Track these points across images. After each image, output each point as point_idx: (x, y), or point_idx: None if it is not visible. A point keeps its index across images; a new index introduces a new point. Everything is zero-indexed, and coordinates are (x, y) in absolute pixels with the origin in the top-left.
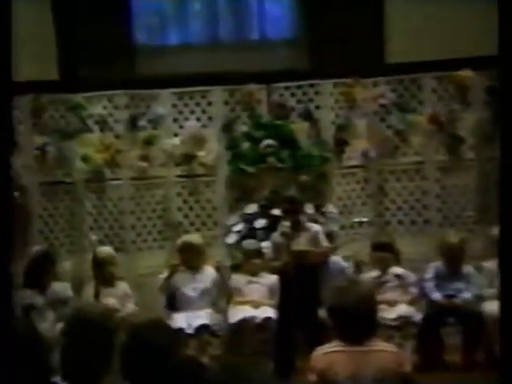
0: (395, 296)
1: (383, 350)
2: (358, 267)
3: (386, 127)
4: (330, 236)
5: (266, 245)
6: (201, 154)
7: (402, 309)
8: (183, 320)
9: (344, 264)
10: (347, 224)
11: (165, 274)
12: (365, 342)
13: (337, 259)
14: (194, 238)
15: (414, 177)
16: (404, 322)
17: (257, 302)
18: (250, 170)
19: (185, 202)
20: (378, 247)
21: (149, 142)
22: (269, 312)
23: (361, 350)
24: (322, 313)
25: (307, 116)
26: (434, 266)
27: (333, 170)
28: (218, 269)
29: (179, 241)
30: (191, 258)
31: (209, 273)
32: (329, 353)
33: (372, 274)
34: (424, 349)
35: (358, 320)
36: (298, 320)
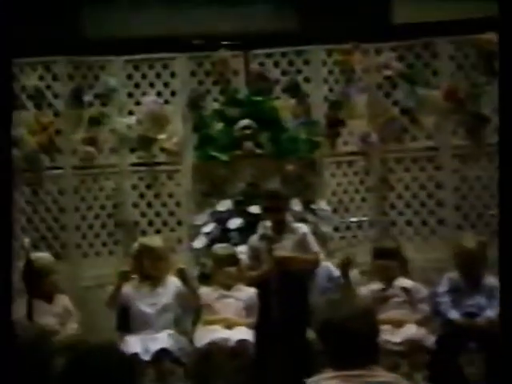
0: (402, 314)
1: (385, 382)
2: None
3: (391, 104)
4: (321, 239)
5: (242, 250)
6: (162, 136)
7: (411, 330)
8: (138, 344)
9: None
10: (343, 225)
11: (115, 285)
12: (362, 370)
13: (330, 267)
14: (153, 241)
15: (426, 166)
16: (413, 346)
17: (230, 320)
18: (223, 157)
19: (142, 196)
20: (380, 253)
21: (97, 122)
22: (245, 333)
23: (357, 380)
24: (312, 334)
25: (294, 90)
26: (450, 277)
27: (325, 158)
28: (180, 274)
29: (134, 245)
30: (149, 265)
31: (171, 284)
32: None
33: (373, 286)
34: (438, 380)
35: (353, 341)
36: (281, 343)
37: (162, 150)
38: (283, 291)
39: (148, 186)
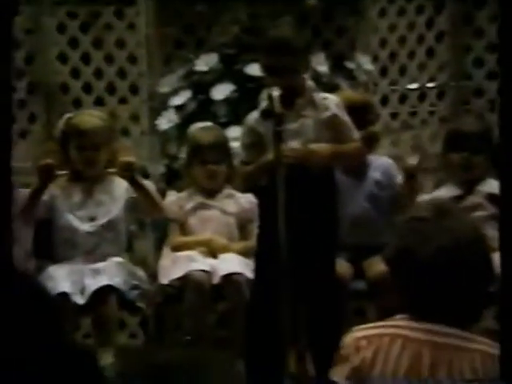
0: (489, 237)
1: (484, 351)
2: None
3: None
4: None
5: (234, 133)
6: None
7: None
8: (68, 278)
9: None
10: (396, 94)
11: (31, 187)
12: (456, 332)
13: (384, 163)
14: (88, 118)
15: None
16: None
17: (214, 243)
18: None
19: (72, 44)
20: (457, 140)
21: None
22: (237, 264)
23: (444, 342)
24: (343, 267)
25: None
26: None
27: None
28: (125, 172)
29: (61, 122)
30: (81, 157)
31: (119, 187)
32: (377, 335)
33: (443, 192)
34: None
35: (457, 289)
36: (295, 280)
37: None
38: (299, 199)
39: (83, 28)
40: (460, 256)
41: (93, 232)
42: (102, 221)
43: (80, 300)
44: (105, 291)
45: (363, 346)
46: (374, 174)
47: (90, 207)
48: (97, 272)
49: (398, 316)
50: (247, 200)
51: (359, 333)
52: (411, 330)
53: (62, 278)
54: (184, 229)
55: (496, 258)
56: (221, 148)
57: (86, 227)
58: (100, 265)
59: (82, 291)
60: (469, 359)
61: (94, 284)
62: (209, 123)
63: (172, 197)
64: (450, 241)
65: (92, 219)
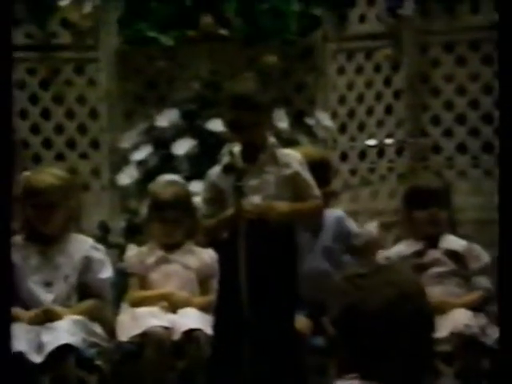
0: (448, 293)
1: None
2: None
3: None
4: None
5: (195, 189)
6: (65, 2)
7: (461, 318)
8: (24, 337)
9: (353, 226)
10: (355, 151)
11: None
12: None
13: (341, 219)
14: (45, 176)
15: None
16: (464, 344)
17: (175, 298)
18: (165, 39)
19: (33, 100)
20: (417, 197)
21: None
22: (197, 319)
23: None
24: (302, 323)
25: None
26: None
27: (329, 43)
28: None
29: (20, 180)
30: (42, 216)
31: (76, 248)
32: None
33: (402, 247)
34: None
35: (402, 347)
36: (254, 335)
37: (66, 24)
38: (259, 254)
39: (43, 84)
40: (406, 307)
41: (49, 295)
42: (58, 285)
43: (37, 359)
44: (63, 350)
45: None
46: (328, 228)
47: (46, 271)
48: (54, 330)
49: (350, 375)
50: (208, 255)
51: None
52: None
53: (18, 337)
54: (144, 283)
55: (456, 314)
56: (181, 205)
57: (41, 290)
58: (57, 323)
59: (40, 350)
60: None
61: (51, 343)
62: (172, 177)
63: (132, 251)
64: (395, 293)
65: (48, 284)
